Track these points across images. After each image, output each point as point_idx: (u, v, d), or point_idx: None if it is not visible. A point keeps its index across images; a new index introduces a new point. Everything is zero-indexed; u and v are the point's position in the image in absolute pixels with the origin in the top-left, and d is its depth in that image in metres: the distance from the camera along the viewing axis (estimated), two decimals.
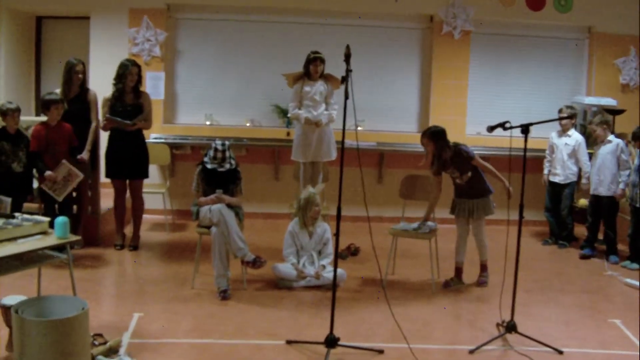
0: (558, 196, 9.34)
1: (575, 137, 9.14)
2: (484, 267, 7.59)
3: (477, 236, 7.51)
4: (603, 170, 8.61)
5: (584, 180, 8.97)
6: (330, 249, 7.28)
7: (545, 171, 9.45)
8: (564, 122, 9.02)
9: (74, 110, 7.86)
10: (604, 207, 8.71)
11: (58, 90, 7.87)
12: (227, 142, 7.04)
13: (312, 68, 8.02)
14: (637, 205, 8.23)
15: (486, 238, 7.49)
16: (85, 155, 7.96)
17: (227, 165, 6.98)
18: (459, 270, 7.54)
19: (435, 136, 7.16)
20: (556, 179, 9.27)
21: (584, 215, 9.13)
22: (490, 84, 10.64)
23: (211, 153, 6.96)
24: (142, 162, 8.31)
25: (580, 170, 9.11)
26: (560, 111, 9.16)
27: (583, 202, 9.28)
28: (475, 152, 7.32)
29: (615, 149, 8.55)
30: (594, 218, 8.89)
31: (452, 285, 7.38)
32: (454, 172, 7.28)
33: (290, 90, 8.27)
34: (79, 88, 8.06)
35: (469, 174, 7.24)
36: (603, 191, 8.64)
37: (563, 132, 9.19)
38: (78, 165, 7.70)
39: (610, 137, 8.63)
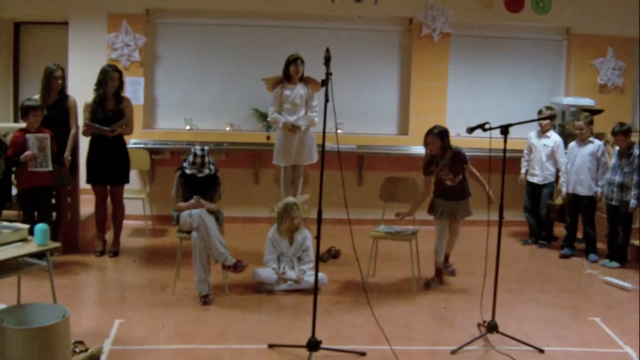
0: (537, 196, 9.43)
1: (554, 138, 9.21)
2: (447, 258, 7.91)
3: (456, 235, 7.72)
4: (583, 170, 8.69)
5: (561, 180, 9.02)
6: (311, 255, 7.28)
7: (523, 170, 9.54)
8: (543, 123, 9.11)
9: (53, 116, 7.79)
10: (583, 206, 8.79)
11: (37, 97, 7.83)
12: (206, 148, 7.03)
13: (293, 69, 8.00)
14: (613, 203, 8.36)
15: None
16: (67, 153, 7.91)
17: (206, 171, 6.97)
18: (439, 271, 7.59)
19: (442, 135, 7.24)
20: (534, 180, 9.37)
21: (563, 214, 9.18)
22: (469, 85, 10.69)
23: (190, 158, 6.95)
24: (123, 167, 8.27)
25: (558, 170, 9.17)
26: (540, 112, 9.24)
27: (559, 200, 9.33)
28: None
29: (597, 150, 8.64)
30: (572, 217, 8.97)
31: (433, 286, 7.41)
32: (447, 174, 7.31)
33: (270, 94, 8.26)
34: (58, 94, 8.01)
35: (460, 176, 7.33)
36: (583, 191, 8.71)
37: (542, 133, 9.27)
38: (59, 171, 7.68)
39: (591, 137, 8.71)
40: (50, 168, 7.40)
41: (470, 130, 6.08)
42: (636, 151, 8.23)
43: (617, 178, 8.35)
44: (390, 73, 10.67)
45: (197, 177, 6.94)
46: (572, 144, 8.96)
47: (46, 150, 7.37)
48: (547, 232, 9.55)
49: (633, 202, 8.17)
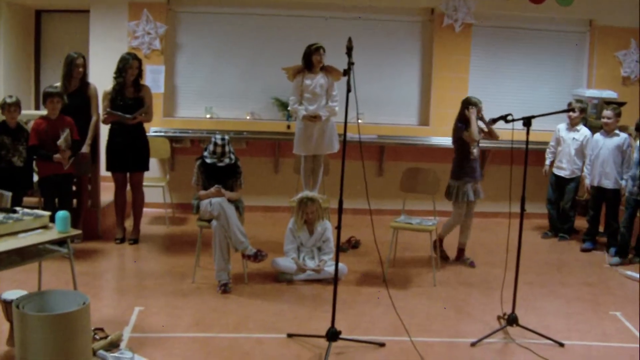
0: (562, 189, 9.32)
1: (583, 132, 9.11)
2: (463, 251, 8.11)
3: (471, 218, 7.99)
4: (608, 162, 8.57)
5: (585, 172, 8.93)
6: (331, 246, 7.27)
7: (547, 162, 9.44)
8: (573, 116, 9.02)
9: (74, 104, 7.82)
10: (607, 199, 8.69)
11: (58, 84, 7.86)
12: (226, 137, 7.02)
13: (316, 58, 7.94)
14: (637, 197, 8.20)
15: None
16: (85, 149, 7.95)
17: (227, 160, 6.96)
18: (462, 251, 7.98)
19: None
20: (562, 173, 9.24)
21: (585, 208, 9.11)
22: (490, 77, 10.61)
23: (211, 147, 6.94)
24: (142, 155, 8.29)
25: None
26: (569, 105, 9.14)
27: (587, 195, 9.23)
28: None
29: (622, 143, 8.54)
30: (595, 211, 8.87)
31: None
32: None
33: (290, 83, 8.24)
34: (79, 82, 8.04)
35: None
36: (609, 184, 8.59)
37: (572, 126, 9.17)
38: (80, 159, 7.73)
39: (616, 129, 8.63)
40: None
41: (493, 121, 6.08)
42: None
43: None
44: (411, 63, 10.61)
45: (217, 167, 6.93)
46: (597, 135, 8.83)
47: (68, 141, 7.44)
48: (569, 225, 9.43)
49: None
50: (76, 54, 7.98)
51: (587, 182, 8.87)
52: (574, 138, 9.11)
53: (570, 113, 8.96)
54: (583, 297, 7.02)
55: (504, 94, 10.50)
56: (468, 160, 7.72)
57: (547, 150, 9.43)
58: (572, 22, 10.63)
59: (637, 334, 5.99)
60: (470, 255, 8.07)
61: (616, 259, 8.28)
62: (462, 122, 7.68)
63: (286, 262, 7.12)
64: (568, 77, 10.73)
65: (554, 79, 10.68)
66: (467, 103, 7.71)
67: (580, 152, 9.07)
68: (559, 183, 9.34)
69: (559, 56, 10.70)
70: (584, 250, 8.81)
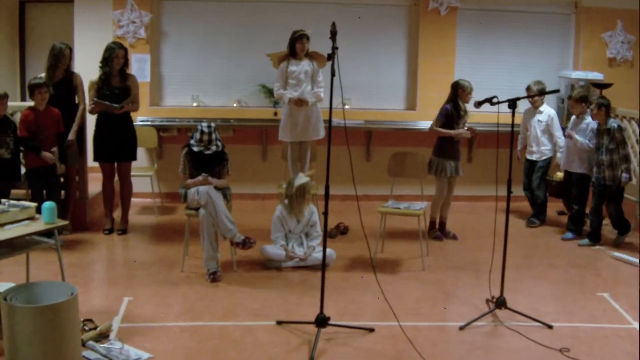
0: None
1: (547, 112, 9.00)
2: (444, 224, 8.48)
3: (451, 193, 8.36)
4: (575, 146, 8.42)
5: (558, 155, 8.92)
6: (319, 230, 7.29)
7: (519, 147, 9.35)
8: (534, 98, 8.85)
9: (59, 94, 7.79)
10: (575, 183, 8.56)
11: (43, 75, 7.82)
12: (212, 125, 7.00)
13: (299, 46, 7.96)
14: (607, 183, 8.03)
15: None
16: (72, 136, 7.92)
17: (214, 148, 6.95)
18: (443, 224, 8.37)
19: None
20: (533, 157, 9.12)
21: (560, 190, 9.09)
22: (477, 60, 10.59)
23: (197, 135, 6.92)
24: (130, 144, 8.26)
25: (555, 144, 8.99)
26: (528, 88, 8.93)
27: (559, 175, 9.16)
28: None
29: (586, 127, 8.37)
30: (567, 195, 8.83)
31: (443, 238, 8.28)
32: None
33: (276, 69, 8.22)
34: (64, 72, 8.00)
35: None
36: (576, 168, 8.49)
37: (534, 108, 9.06)
38: (66, 151, 7.72)
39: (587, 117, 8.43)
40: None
41: (478, 104, 6.06)
42: (614, 125, 7.94)
43: (605, 157, 7.99)
44: (397, 48, 10.59)
45: (204, 155, 6.92)
46: (573, 117, 8.67)
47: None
48: (539, 209, 9.20)
49: (625, 175, 7.92)
50: (63, 45, 7.92)
51: (560, 163, 8.81)
52: (538, 120, 9.01)
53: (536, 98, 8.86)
54: (571, 279, 7.05)
55: (491, 77, 10.49)
56: (450, 141, 8.07)
57: (519, 135, 9.33)
58: (558, 4, 10.61)
59: (625, 315, 6.03)
60: (459, 239, 8.19)
61: (585, 241, 8.29)
62: (450, 105, 7.96)
63: (275, 250, 7.13)
64: (554, 59, 10.73)
65: (540, 60, 10.66)
66: (458, 86, 7.97)
67: (547, 133, 8.98)
68: (532, 167, 9.20)
69: (545, 38, 10.68)
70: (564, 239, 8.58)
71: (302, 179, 7.29)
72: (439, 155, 8.12)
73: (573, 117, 8.67)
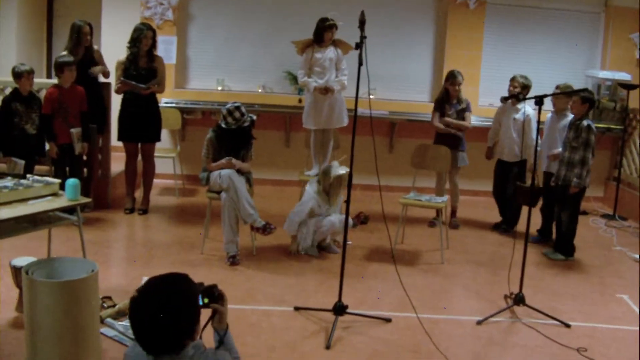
0: (507, 176, 8.42)
1: (524, 111, 8.05)
2: (455, 212, 8.69)
3: (455, 185, 8.58)
4: (556, 144, 7.87)
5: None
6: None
7: (489, 143, 8.73)
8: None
9: (81, 72, 7.82)
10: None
11: (65, 53, 7.84)
12: (238, 102, 6.97)
13: (327, 35, 7.91)
14: (560, 183, 7.47)
15: None
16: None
17: (248, 119, 6.91)
18: (453, 213, 8.68)
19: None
20: (505, 158, 8.42)
21: (533, 196, 8.30)
22: (504, 55, 10.53)
23: (227, 117, 6.78)
24: (155, 125, 8.29)
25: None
26: (513, 80, 8.27)
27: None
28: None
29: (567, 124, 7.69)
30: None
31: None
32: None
33: (300, 56, 8.21)
34: (85, 49, 8.03)
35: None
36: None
37: (512, 105, 8.28)
38: (89, 128, 7.76)
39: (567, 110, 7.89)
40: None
41: (505, 99, 6.04)
42: (584, 123, 7.23)
43: (566, 154, 7.39)
44: (424, 40, 10.55)
45: (232, 133, 6.84)
46: (549, 115, 8.20)
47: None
48: (512, 214, 8.43)
49: (575, 180, 7.24)
50: (83, 22, 7.94)
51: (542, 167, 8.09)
52: (514, 118, 8.26)
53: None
54: (591, 279, 7.01)
55: (517, 73, 10.37)
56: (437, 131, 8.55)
57: (490, 131, 8.72)
58: (587, 2, 10.53)
59: None
60: (479, 234, 8.17)
61: (559, 255, 7.61)
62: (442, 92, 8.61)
63: (296, 224, 7.14)
64: (582, 57, 10.65)
65: (568, 58, 10.60)
66: (447, 75, 8.55)
67: (521, 133, 8.12)
68: (504, 169, 8.46)
69: (573, 36, 10.60)
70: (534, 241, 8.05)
71: (339, 168, 7.18)
72: (435, 143, 8.43)
73: (549, 114, 8.14)
